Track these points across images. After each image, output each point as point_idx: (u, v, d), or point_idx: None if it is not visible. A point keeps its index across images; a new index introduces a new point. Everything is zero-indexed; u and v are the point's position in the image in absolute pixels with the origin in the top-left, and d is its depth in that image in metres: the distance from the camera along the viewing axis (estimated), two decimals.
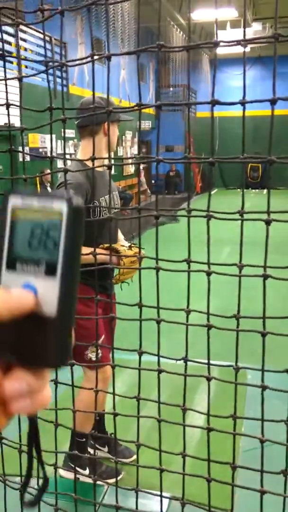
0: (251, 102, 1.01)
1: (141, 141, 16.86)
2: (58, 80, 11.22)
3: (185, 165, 19.70)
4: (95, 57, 1.13)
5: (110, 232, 1.92)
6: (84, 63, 1.16)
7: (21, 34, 9.49)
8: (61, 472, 2.55)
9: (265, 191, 19.26)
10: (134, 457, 2.47)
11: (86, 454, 2.27)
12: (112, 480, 2.49)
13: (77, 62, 1.21)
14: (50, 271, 0.46)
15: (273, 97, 0.95)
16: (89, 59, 1.15)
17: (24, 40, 10.02)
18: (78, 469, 2.49)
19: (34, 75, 1.53)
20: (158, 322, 1.27)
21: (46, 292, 0.45)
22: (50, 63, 1.24)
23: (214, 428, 1.21)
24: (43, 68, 1.53)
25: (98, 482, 1.57)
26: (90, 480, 2.46)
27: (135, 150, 17.76)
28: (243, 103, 1.02)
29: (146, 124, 18.21)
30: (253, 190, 19.67)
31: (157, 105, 1.11)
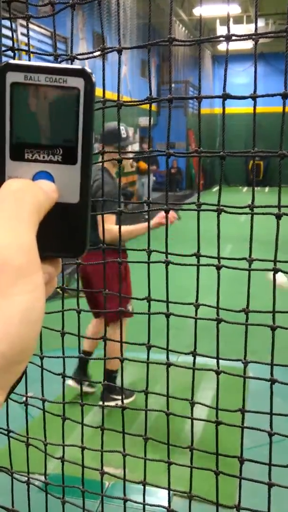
0: (263, 96, 1.01)
1: (145, 137, 16.84)
2: None
3: (188, 160, 19.70)
4: (106, 51, 1.13)
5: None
6: (94, 57, 1.16)
7: (23, 30, 9.48)
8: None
9: (266, 189, 19.26)
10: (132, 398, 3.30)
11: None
12: (128, 400, 3.16)
13: (87, 55, 1.21)
14: (69, 157, 0.41)
15: (285, 91, 0.95)
16: (99, 52, 1.14)
17: (26, 35, 10.00)
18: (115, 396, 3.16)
19: None
20: (168, 316, 1.27)
21: (65, 180, 0.41)
22: (62, 57, 1.23)
23: (222, 422, 1.22)
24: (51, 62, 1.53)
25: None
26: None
27: (136, 146, 17.69)
28: (254, 97, 1.02)
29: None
30: (255, 188, 19.65)
31: (168, 99, 1.11)
